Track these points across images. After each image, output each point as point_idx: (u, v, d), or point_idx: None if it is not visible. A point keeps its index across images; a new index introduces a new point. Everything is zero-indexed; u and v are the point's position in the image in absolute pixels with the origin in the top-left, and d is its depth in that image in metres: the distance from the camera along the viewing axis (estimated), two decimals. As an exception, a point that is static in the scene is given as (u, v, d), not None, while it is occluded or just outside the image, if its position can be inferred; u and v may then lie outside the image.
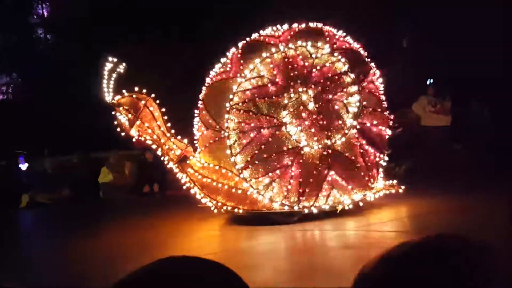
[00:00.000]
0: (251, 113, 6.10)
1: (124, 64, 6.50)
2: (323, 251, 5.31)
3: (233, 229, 6.70)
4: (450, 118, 10.97)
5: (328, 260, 4.89)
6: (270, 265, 4.79)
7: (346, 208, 6.48)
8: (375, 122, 6.46)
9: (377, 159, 6.56)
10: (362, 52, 6.78)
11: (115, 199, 11.75)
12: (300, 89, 6.12)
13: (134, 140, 6.46)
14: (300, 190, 6.16)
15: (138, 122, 6.35)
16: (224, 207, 6.55)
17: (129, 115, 6.32)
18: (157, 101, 6.65)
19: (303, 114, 6.06)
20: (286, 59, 6.25)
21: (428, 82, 12.87)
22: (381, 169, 6.90)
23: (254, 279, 3.89)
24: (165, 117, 6.71)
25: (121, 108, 6.34)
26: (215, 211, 6.79)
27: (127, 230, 7.43)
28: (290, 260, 5.16)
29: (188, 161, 6.58)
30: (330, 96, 6.16)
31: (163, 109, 6.68)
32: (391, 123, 6.83)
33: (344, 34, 6.91)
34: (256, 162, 6.10)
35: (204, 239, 6.42)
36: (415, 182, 8.53)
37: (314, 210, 6.32)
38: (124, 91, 6.45)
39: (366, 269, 0.55)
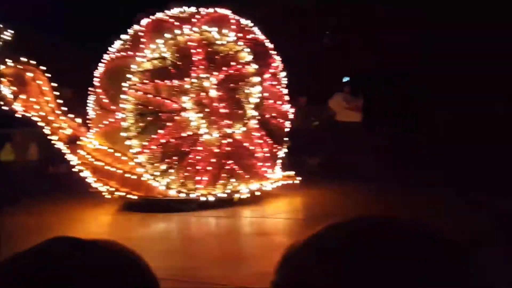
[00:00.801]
0: (150, 95, 5.86)
1: (11, 31, 5.89)
2: (231, 238, 5.35)
3: (125, 216, 6.43)
4: (361, 114, 11.60)
5: (237, 247, 4.92)
6: (178, 252, 4.68)
7: (243, 196, 6.52)
8: (274, 115, 6.55)
9: (275, 150, 6.68)
10: (267, 44, 6.83)
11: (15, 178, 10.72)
12: (203, 75, 6.00)
13: (18, 115, 5.89)
14: (198, 178, 6.07)
15: (23, 96, 5.80)
16: (118, 193, 6.25)
17: (13, 88, 5.74)
18: (48, 75, 6.13)
19: (204, 101, 5.95)
20: (190, 43, 6.08)
21: (343, 80, 13.46)
22: (279, 161, 7.05)
23: (166, 265, 3.75)
24: (56, 93, 6.22)
25: (4, 79, 5.73)
26: (108, 196, 6.47)
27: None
28: (197, 247, 5.07)
29: (79, 142, 6.16)
30: (233, 85, 6.12)
31: (54, 84, 6.17)
32: (291, 116, 6.98)
33: (252, 24, 6.91)
34: (153, 147, 5.89)
35: (98, 225, 6.10)
36: (326, 174, 8.85)
37: (211, 198, 6.27)
38: (8, 60, 5.84)
39: (293, 251, 0.54)
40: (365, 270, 0.47)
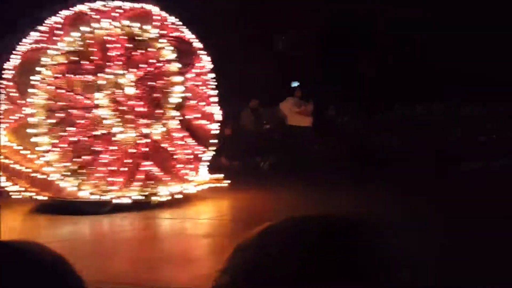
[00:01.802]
0: (61, 91, 5.54)
1: None
2: (151, 240, 5.17)
3: (34, 218, 6.06)
4: (311, 119, 11.63)
5: (162, 249, 4.78)
6: (97, 255, 4.47)
7: (162, 199, 6.28)
8: (198, 116, 6.36)
9: (198, 152, 6.48)
10: (195, 43, 6.63)
11: None
12: (120, 71, 5.73)
13: None
14: (111, 179, 5.79)
15: None
16: (27, 193, 5.88)
17: None
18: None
19: (120, 98, 5.68)
20: (108, 37, 5.81)
21: (294, 85, 13.53)
22: (206, 163, 6.86)
23: (94, 268, 3.58)
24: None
25: None
26: (18, 196, 6.08)
27: None
28: (117, 250, 4.88)
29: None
30: (152, 83, 5.88)
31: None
32: (219, 118, 6.81)
33: (180, 22, 6.70)
34: (63, 145, 5.56)
35: (8, 227, 5.71)
36: (276, 176, 8.81)
37: (127, 201, 5.99)
38: None
39: (244, 246, 0.55)
40: (305, 268, 0.49)
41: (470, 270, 3.32)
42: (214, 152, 7.02)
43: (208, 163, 7.11)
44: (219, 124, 6.94)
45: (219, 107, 6.86)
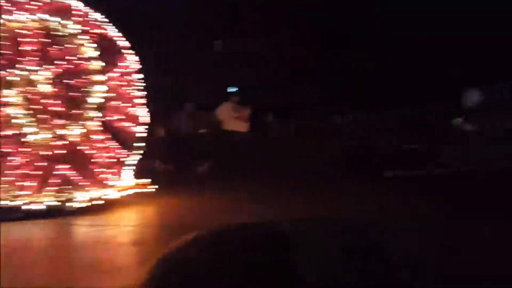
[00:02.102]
0: (-35, 86, 5.08)
1: None
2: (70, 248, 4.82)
3: None
4: (248, 124, 11.58)
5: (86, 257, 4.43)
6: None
7: (81, 205, 5.92)
8: (121, 117, 6.08)
9: (121, 156, 6.19)
10: (120, 41, 6.35)
11: None
12: (34, 68, 5.35)
13: None
14: (23, 183, 5.37)
15: None
16: None
17: None
18: None
19: (33, 96, 5.30)
20: (22, 31, 5.41)
21: (232, 90, 13.43)
22: (130, 167, 6.57)
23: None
24: None
25: None
26: None
27: None
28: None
29: None
30: (70, 81, 5.54)
31: None
32: (145, 120, 6.55)
33: (106, 19, 6.39)
34: (-34, 145, 5.09)
35: None
36: (210, 181, 8.63)
37: (40, 207, 5.59)
38: None
39: (168, 256, 0.53)
40: (228, 276, 0.48)
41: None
42: (145, 156, 6.77)
43: (140, 168, 6.85)
44: (146, 126, 6.69)
45: (147, 109, 6.61)
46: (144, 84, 6.60)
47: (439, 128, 13.34)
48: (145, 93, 6.62)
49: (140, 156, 6.80)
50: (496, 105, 12.06)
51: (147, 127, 6.74)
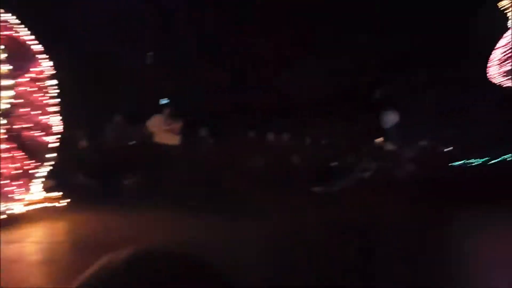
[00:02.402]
0: None
1: None
2: None
3: None
4: (179, 137, 11.34)
5: None
6: None
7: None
8: (30, 126, 5.68)
9: (29, 167, 5.77)
10: (33, 45, 5.97)
11: None
12: None
13: None
14: None
15: None
16: None
17: None
18: None
19: None
20: None
21: (163, 101, 13.13)
22: (40, 179, 6.13)
23: None
24: None
25: None
26: None
27: None
28: None
29: None
30: (-28, 85, 5.10)
31: None
32: (58, 129, 6.17)
33: (18, 22, 5.98)
34: None
35: None
36: (137, 196, 8.22)
37: None
38: None
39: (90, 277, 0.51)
40: None
41: None
42: (65, 167, 6.36)
43: (55, 180, 6.42)
44: (59, 136, 6.29)
45: (59, 117, 6.23)
46: (58, 91, 6.22)
47: (362, 146, 13.90)
48: (59, 100, 6.24)
49: (53, 168, 6.38)
50: (413, 125, 12.79)
51: (60, 136, 6.35)
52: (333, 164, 13.18)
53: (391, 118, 13.28)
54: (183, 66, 13.69)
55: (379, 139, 14.25)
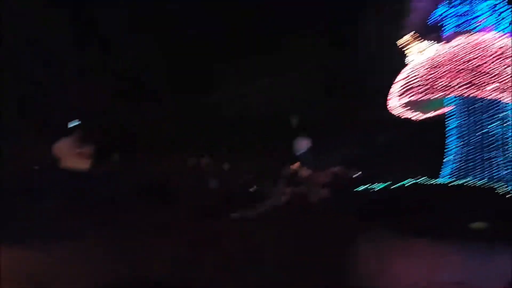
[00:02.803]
0: None
1: None
2: None
3: None
4: (89, 162, 10.74)
5: None
6: None
7: None
8: None
9: None
10: None
11: None
12: None
13: None
14: None
15: None
16: None
17: None
18: None
19: None
20: None
21: (73, 123, 12.49)
22: None
23: None
24: None
25: None
26: None
27: None
28: None
29: None
30: None
31: None
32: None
33: None
34: None
35: None
36: None
37: None
38: None
39: None
40: None
41: None
42: None
43: None
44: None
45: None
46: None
47: (278, 171, 14.28)
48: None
49: None
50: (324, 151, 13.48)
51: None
52: (250, 189, 13.36)
53: (303, 145, 13.87)
54: (96, 86, 13.22)
55: (294, 165, 14.77)
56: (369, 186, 11.34)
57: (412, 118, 12.62)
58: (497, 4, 11.53)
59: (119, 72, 13.44)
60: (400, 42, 11.60)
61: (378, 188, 10.88)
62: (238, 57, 13.43)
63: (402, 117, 12.54)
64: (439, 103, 12.20)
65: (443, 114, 11.95)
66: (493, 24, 11.58)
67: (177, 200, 11.71)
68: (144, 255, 5.94)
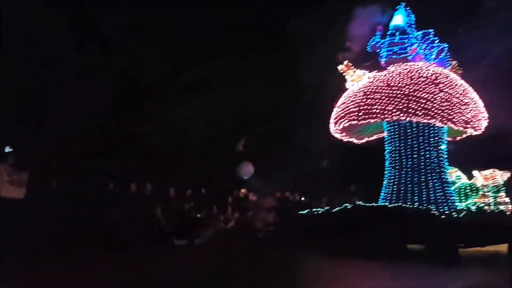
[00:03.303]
0: None
1: None
2: None
3: None
4: (24, 191, 10.28)
5: None
6: None
7: None
8: None
9: None
10: None
11: None
12: None
13: None
14: None
15: None
16: None
17: None
18: None
19: None
20: None
21: (6, 150, 12.01)
22: None
23: None
24: None
25: None
26: None
27: None
28: None
29: None
30: None
31: None
32: None
33: None
34: None
35: None
36: None
37: None
38: None
39: None
40: None
41: None
42: None
43: None
44: None
45: None
46: None
47: (224, 197, 14.21)
48: None
49: None
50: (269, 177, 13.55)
51: None
52: (196, 216, 13.20)
53: (247, 171, 13.91)
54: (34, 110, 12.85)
55: (241, 190, 14.75)
56: (312, 209, 11.44)
57: (352, 142, 12.91)
58: (427, 34, 12.11)
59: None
60: (337, 69, 11.95)
61: (321, 211, 10.99)
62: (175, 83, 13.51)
63: (343, 142, 12.80)
64: (377, 128, 12.56)
65: (382, 138, 12.28)
66: (424, 53, 12.13)
67: (117, 226, 11.42)
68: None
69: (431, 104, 10.76)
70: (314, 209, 11.40)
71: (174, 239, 12.05)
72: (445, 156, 11.59)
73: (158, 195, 13.47)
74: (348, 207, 10.41)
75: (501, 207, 12.00)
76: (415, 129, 11.43)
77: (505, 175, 12.39)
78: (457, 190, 12.37)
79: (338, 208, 10.58)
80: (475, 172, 12.78)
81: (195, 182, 13.84)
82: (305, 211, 11.55)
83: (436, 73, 11.39)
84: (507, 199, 12.53)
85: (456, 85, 11.28)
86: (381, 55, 12.27)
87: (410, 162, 11.34)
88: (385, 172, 11.65)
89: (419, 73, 11.34)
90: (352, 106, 11.30)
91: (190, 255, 9.40)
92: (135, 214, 12.37)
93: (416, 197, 11.03)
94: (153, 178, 13.54)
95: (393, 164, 11.53)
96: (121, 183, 13.23)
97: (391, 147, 11.68)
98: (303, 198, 13.60)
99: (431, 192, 11.11)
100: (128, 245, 9.80)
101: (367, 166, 12.91)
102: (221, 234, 12.57)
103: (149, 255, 9.00)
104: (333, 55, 11.92)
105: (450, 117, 10.71)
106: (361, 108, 11.06)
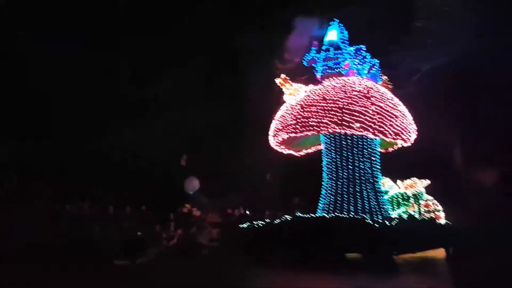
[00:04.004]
0: None
1: None
2: None
3: None
4: None
5: None
6: None
7: None
8: None
9: None
10: None
11: None
12: None
13: None
14: None
15: None
16: None
17: None
18: None
19: None
20: None
21: None
22: None
23: None
24: None
25: None
26: None
27: None
28: None
29: None
30: None
31: None
32: None
33: None
34: None
35: None
36: None
37: None
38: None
39: None
40: None
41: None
42: None
43: None
44: None
45: None
46: None
47: (167, 215, 13.98)
48: None
49: None
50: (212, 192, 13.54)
51: None
52: (137, 235, 12.89)
53: (192, 185, 13.80)
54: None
55: (184, 206, 14.58)
56: (253, 223, 11.50)
57: (292, 155, 13.14)
58: (359, 50, 12.60)
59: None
60: (275, 83, 12.16)
61: (262, 225, 11.06)
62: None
63: (283, 154, 13.00)
64: (315, 140, 12.87)
65: (321, 151, 12.58)
66: (357, 68, 12.61)
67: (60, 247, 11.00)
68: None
69: (364, 117, 11.16)
70: (255, 222, 11.44)
71: (114, 259, 11.69)
72: (378, 166, 12.04)
73: (95, 214, 13.06)
74: (288, 218, 10.55)
75: (431, 215, 12.60)
76: (349, 141, 11.80)
77: (425, 182, 13.02)
78: (390, 199, 12.86)
79: (278, 221, 10.69)
80: (398, 182, 13.33)
81: (136, 199, 13.54)
82: (246, 225, 11.57)
83: (368, 87, 11.85)
84: (440, 207, 13.16)
85: (387, 98, 11.78)
86: (316, 69, 12.62)
87: (346, 173, 11.68)
88: (322, 183, 11.93)
89: (352, 87, 11.74)
90: (289, 119, 11.52)
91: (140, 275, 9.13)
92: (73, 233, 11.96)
93: (352, 207, 11.35)
94: (91, 196, 13.14)
95: (330, 175, 11.84)
96: (55, 203, 12.73)
97: (328, 159, 11.99)
98: (247, 212, 13.64)
99: (365, 201, 11.47)
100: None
101: (310, 178, 13.17)
102: (164, 252, 12.34)
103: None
104: (272, 69, 12.14)
105: (381, 129, 11.16)
106: (299, 121, 11.30)
